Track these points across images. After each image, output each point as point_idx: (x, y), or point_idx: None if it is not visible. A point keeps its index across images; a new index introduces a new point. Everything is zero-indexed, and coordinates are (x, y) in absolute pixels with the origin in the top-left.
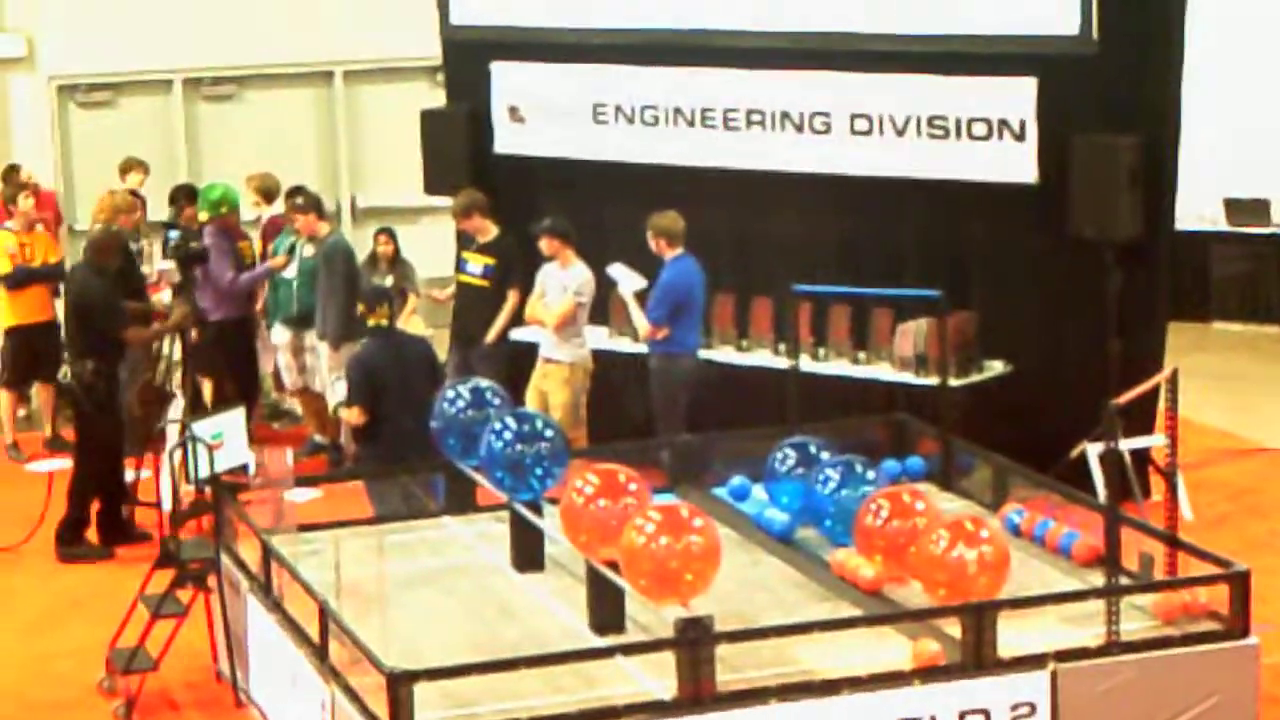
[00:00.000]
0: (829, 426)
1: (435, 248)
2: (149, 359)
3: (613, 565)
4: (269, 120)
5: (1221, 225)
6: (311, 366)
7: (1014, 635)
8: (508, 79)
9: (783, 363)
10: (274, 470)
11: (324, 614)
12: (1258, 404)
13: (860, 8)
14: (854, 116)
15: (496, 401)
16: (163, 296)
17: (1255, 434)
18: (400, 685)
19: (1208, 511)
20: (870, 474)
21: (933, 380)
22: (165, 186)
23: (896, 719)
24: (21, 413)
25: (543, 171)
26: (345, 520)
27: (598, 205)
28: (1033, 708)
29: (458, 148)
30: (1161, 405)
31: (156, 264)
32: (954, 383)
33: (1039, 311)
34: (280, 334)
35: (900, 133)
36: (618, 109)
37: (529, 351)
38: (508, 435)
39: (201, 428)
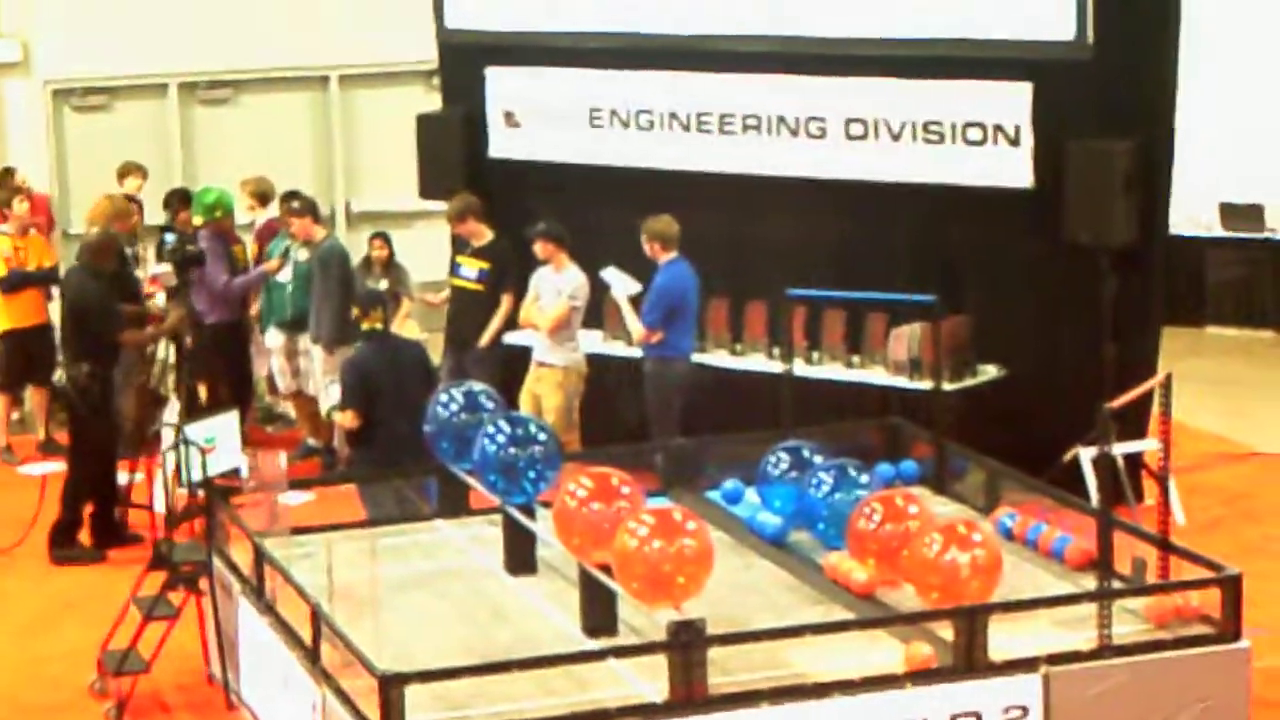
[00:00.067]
0: (822, 430)
1: (430, 252)
2: (144, 362)
3: (605, 568)
4: (264, 124)
5: (1216, 230)
6: (305, 370)
7: (1006, 639)
8: (503, 83)
9: (777, 367)
10: (267, 473)
11: (316, 616)
12: (1252, 409)
13: (855, 13)
14: (849, 121)
15: (490, 405)
16: (157, 300)
17: (1249, 439)
18: (392, 687)
19: (1201, 516)
20: (864, 478)
21: (927, 384)
22: (160, 190)
23: None
24: (15, 416)
25: (537, 175)
26: (338, 523)
27: (592, 209)
28: (1025, 711)
29: (453, 152)
30: (1155, 410)
31: (151, 268)
32: (948, 387)
33: (1033, 316)
34: (274, 338)
35: (895, 137)
36: (612, 113)
37: (523, 355)
38: (501, 439)
39: (195, 431)
